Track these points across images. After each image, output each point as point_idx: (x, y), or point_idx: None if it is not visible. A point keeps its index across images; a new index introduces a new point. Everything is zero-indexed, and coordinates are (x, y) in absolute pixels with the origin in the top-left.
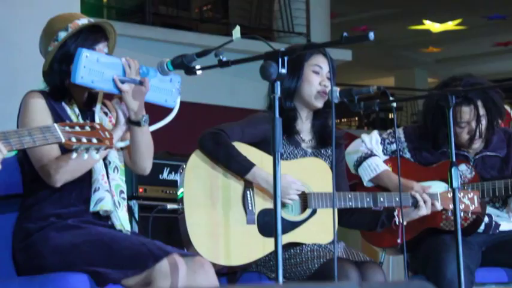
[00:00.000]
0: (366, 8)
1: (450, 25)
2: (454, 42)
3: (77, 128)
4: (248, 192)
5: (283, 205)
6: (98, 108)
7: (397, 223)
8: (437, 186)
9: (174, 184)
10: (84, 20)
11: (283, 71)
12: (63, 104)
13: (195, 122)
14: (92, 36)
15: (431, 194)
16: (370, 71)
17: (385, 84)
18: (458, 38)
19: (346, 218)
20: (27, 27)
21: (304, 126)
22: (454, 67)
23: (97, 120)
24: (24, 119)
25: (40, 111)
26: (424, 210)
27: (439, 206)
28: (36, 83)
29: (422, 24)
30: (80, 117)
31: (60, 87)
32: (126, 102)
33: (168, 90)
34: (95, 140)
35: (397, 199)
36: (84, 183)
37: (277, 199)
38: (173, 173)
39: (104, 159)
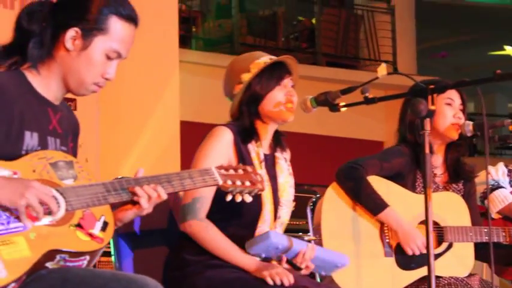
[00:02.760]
0: (445, 34)
1: None
2: None
3: (231, 171)
4: (386, 225)
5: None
6: (279, 154)
7: None
8: None
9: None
10: (264, 58)
11: (433, 107)
12: (249, 145)
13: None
14: (275, 73)
15: None
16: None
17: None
18: None
19: (483, 252)
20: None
21: (437, 160)
22: None
23: (279, 164)
24: (203, 146)
25: (224, 145)
26: None
27: None
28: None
29: (503, 49)
30: (263, 163)
31: (250, 128)
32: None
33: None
34: (248, 183)
35: None
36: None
37: (429, 235)
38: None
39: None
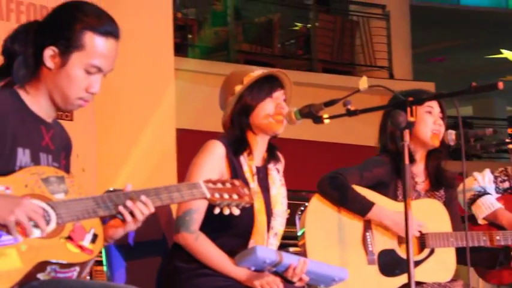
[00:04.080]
0: (442, 38)
1: None
2: None
3: (220, 185)
4: (368, 233)
5: (401, 243)
6: (272, 166)
7: None
8: None
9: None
10: (258, 72)
11: (412, 119)
12: (241, 158)
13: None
14: (267, 85)
15: None
16: (448, 100)
17: (463, 113)
18: None
19: (463, 256)
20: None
21: (418, 168)
22: None
23: (271, 175)
24: (197, 160)
25: (217, 158)
26: None
27: None
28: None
29: (500, 53)
30: (255, 176)
31: (241, 139)
32: None
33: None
34: (235, 196)
35: None
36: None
37: (410, 244)
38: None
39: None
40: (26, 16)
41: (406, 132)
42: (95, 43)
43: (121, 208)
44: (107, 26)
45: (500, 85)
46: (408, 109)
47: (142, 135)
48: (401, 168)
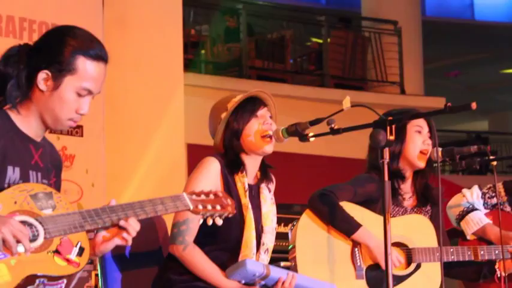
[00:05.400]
0: (458, 53)
1: None
2: None
3: (203, 196)
4: (356, 249)
5: None
6: (264, 185)
7: (499, 276)
8: None
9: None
10: (240, 96)
11: (391, 138)
12: (235, 176)
13: (288, 171)
14: (248, 107)
15: None
16: (464, 114)
17: (479, 127)
18: None
19: (449, 270)
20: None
21: (406, 185)
22: None
23: (263, 194)
24: (193, 175)
25: (213, 174)
26: None
27: None
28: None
29: None
30: (247, 192)
31: (236, 160)
32: None
33: None
34: (218, 207)
35: (497, 252)
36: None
37: (388, 258)
38: (282, 224)
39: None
40: (39, 34)
41: (386, 151)
42: (87, 67)
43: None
44: (98, 51)
45: (474, 105)
46: (388, 128)
47: (151, 151)
48: (381, 185)
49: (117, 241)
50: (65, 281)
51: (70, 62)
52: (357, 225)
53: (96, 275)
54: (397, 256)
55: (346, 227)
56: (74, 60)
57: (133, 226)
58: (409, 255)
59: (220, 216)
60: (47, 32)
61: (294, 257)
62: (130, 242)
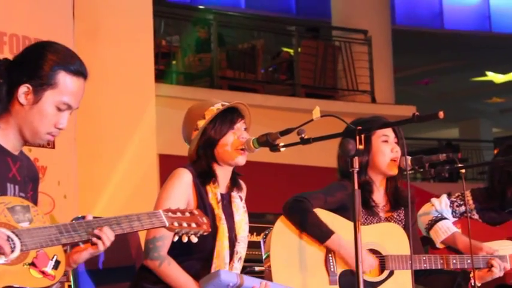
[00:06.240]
0: (428, 62)
1: None
2: None
3: (179, 214)
4: (330, 255)
5: None
6: (235, 193)
7: (473, 285)
8: (505, 245)
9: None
10: (218, 105)
11: (361, 147)
12: (207, 186)
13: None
14: (228, 118)
15: (501, 257)
16: (434, 122)
17: (450, 135)
18: None
19: (423, 278)
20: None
21: (379, 193)
22: None
23: (235, 203)
24: (165, 187)
25: (185, 186)
26: (498, 273)
27: (508, 267)
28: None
29: (485, 75)
30: (220, 203)
31: (208, 170)
32: None
33: None
34: (194, 225)
35: (469, 261)
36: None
37: (359, 265)
38: (255, 234)
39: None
40: (9, 47)
41: (355, 160)
42: (67, 82)
43: (98, 232)
44: (78, 66)
45: (441, 114)
46: (357, 137)
47: (123, 162)
48: (352, 194)
49: (90, 250)
50: None
51: (51, 76)
52: (329, 232)
53: (69, 286)
54: (369, 263)
55: (319, 233)
56: (55, 75)
57: (108, 235)
58: (383, 262)
59: (195, 234)
60: (28, 47)
61: (268, 264)
62: (101, 249)
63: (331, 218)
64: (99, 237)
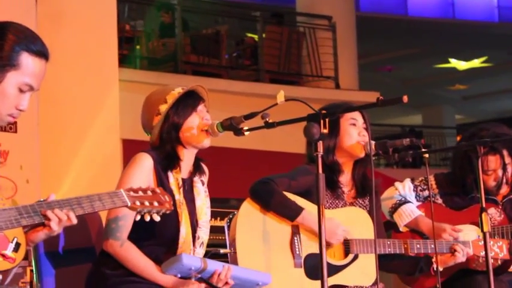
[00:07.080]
0: (391, 48)
1: (476, 63)
2: (480, 79)
3: (141, 193)
4: (296, 238)
5: (328, 248)
6: (197, 178)
7: (435, 269)
8: (468, 230)
9: (219, 230)
10: (178, 89)
11: (325, 131)
12: (168, 173)
13: (225, 165)
14: (189, 101)
15: (464, 242)
16: (398, 108)
17: (413, 121)
18: (484, 75)
19: (386, 263)
20: (69, 83)
21: (345, 178)
22: (481, 103)
23: (196, 187)
24: (126, 172)
25: (145, 171)
26: (460, 259)
27: (471, 252)
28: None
29: (448, 62)
30: (182, 189)
31: (172, 154)
32: None
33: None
34: (156, 203)
35: (432, 246)
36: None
37: (323, 249)
38: (218, 218)
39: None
40: None
41: (320, 144)
42: (29, 63)
43: (49, 213)
44: (40, 47)
45: (405, 99)
46: (321, 121)
47: (86, 146)
48: (315, 178)
49: (45, 230)
50: (0, 276)
51: (13, 57)
52: (299, 209)
53: (31, 270)
54: (343, 228)
55: (288, 212)
56: (18, 55)
57: (60, 216)
58: (347, 246)
59: (157, 213)
60: None
61: (233, 248)
62: (55, 229)
63: (298, 202)
64: (49, 219)
